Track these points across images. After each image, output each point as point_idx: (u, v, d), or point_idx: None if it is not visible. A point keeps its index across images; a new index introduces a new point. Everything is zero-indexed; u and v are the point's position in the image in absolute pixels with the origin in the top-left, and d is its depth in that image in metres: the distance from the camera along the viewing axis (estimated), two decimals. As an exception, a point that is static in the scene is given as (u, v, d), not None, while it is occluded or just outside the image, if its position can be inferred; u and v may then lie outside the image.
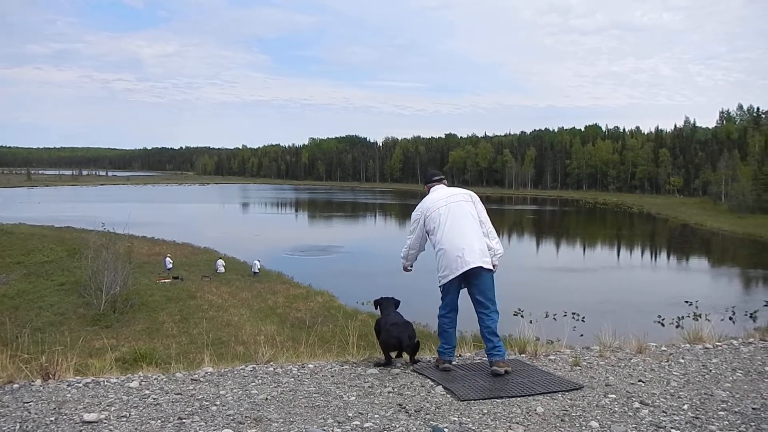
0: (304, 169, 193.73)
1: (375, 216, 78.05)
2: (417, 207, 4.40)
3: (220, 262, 31.42)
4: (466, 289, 4.21)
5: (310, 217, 75.97)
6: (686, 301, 26.17)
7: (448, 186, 4.50)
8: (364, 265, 34.75)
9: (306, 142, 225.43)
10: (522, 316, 21.60)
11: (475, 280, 4.11)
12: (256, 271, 29.96)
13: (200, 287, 26.29)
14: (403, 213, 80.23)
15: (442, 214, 4.24)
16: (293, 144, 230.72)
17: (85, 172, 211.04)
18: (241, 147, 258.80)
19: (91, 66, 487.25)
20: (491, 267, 4.16)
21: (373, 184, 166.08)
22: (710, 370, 4.12)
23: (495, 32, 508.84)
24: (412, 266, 4.61)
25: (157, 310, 21.92)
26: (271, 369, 4.12)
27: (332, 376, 3.99)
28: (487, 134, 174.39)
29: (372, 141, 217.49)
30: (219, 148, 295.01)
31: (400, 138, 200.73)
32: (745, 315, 23.78)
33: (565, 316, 23.00)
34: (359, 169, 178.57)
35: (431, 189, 4.49)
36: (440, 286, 4.25)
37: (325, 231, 56.15)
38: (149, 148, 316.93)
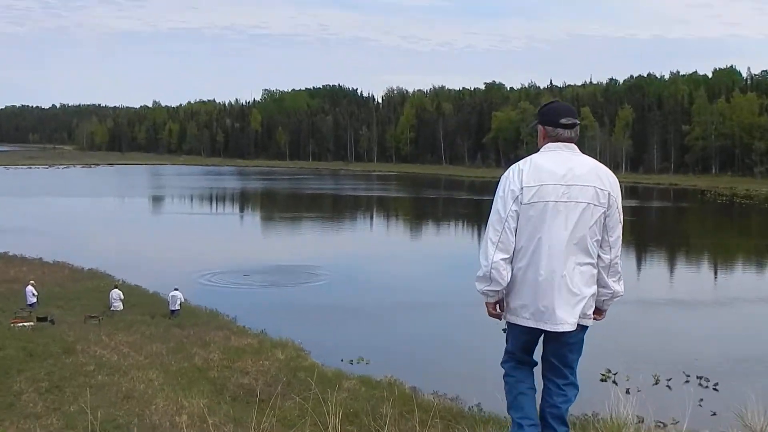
0: (254, 141, 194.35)
1: (371, 218, 77.89)
2: (510, 171, 4.18)
3: (117, 293, 31.31)
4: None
5: (265, 220, 75.85)
6: None
7: (575, 147, 4.20)
8: (353, 298, 34.71)
9: (258, 97, 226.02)
10: (614, 381, 21.55)
11: (557, 335, 4.16)
12: (176, 308, 29.87)
13: (83, 335, 26.16)
14: (418, 213, 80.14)
15: (548, 217, 4.06)
16: (237, 100, 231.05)
17: None
18: (151, 105, 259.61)
19: None
20: (589, 324, 4.21)
21: (368, 164, 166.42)
22: None
23: None
24: (502, 303, 4.22)
25: (11, 373, 21.75)
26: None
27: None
28: (554, 84, 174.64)
29: (366, 95, 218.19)
30: (115, 107, 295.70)
31: (411, 90, 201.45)
32: None
33: (687, 382, 22.85)
34: (345, 141, 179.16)
35: (549, 142, 4.21)
36: (504, 326, 4.35)
37: (289, 243, 56.08)
38: (1, 107, 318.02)
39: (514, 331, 4.27)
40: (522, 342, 4.26)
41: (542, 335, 4.21)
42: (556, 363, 4.22)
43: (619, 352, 25.26)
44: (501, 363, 4.35)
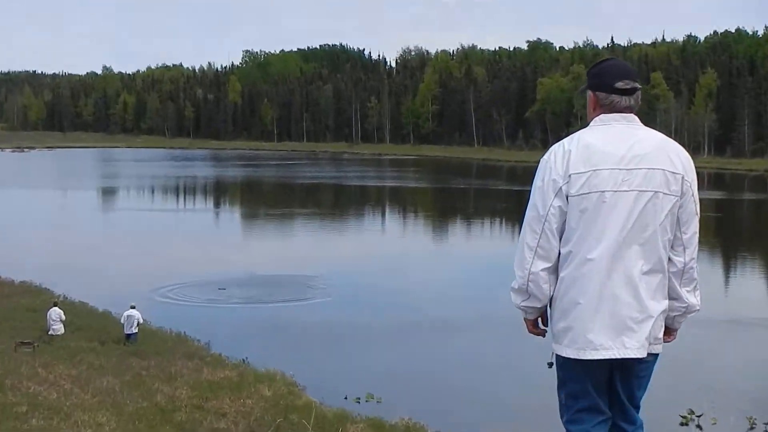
0: (233, 117, 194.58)
1: (382, 215, 77.99)
2: (552, 154, 4.12)
3: (56, 313, 31.30)
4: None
5: (246, 217, 76.27)
6: None
7: (636, 119, 4.14)
8: (359, 318, 34.70)
9: (238, 61, 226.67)
10: (699, 425, 21.47)
11: (625, 364, 4.11)
12: (133, 331, 29.88)
13: (13, 367, 26.17)
14: (443, 209, 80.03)
15: (603, 213, 3.98)
16: (210, 65, 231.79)
17: None
18: (100, 72, 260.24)
19: None
20: (659, 350, 4.16)
21: (378, 146, 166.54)
22: None
23: None
24: (545, 316, 4.26)
25: (-77, 416, 21.81)
26: None
27: None
28: (616, 42, 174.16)
29: (375, 57, 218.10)
30: (55, 75, 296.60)
31: (433, 51, 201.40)
32: None
33: (793, 426, 22.73)
34: (348, 116, 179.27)
35: (601, 114, 4.16)
36: (552, 359, 4.27)
37: (278, 247, 56.33)
38: None
39: (567, 364, 4.16)
40: (583, 379, 4.13)
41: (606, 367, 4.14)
42: (624, 400, 4.18)
43: (702, 386, 25.16)
44: (564, 421, 4.26)
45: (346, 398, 24.46)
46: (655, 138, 4.08)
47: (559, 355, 4.15)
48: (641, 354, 3.99)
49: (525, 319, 4.26)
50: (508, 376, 26.54)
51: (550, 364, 4.25)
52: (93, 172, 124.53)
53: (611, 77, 4.13)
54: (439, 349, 30.39)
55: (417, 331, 32.81)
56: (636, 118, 4.13)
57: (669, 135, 4.19)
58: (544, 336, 4.29)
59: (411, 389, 25.84)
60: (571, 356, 4.06)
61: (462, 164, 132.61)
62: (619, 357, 3.98)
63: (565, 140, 4.12)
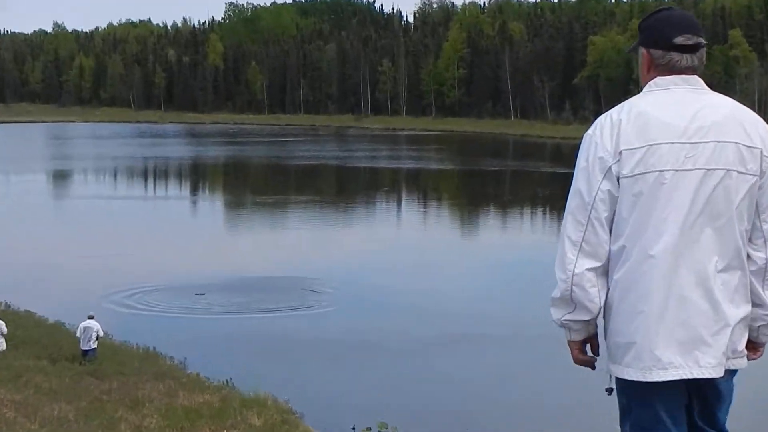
0: (213, 85, 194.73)
1: (397, 203, 78.09)
2: (598, 126, 4.07)
3: (-3, 323, 31.47)
4: None
5: (230, 206, 76.52)
6: None
7: (700, 82, 4.08)
8: (368, 330, 34.85)
9: (220, 16, 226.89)
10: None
11: (697, 385, 4.06)
12: (91, 346, 29.92)
13: (-55, 390, 26.28)
14: (472, 195, 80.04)
15: (663, 197, 3.90)
16: (186, 20, 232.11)
17: None
18: (51, 30, 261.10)
19: None
20: (740, 366, 4.09)
21: (392, 119, 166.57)
22: None
23: None
24: (595, 341, 4.22)
25: None
26: None
27: None
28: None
29: (388, 11, 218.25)
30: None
31: (459, 3, 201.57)
32: None
33: None
34: (355, 82, 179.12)
35: (657, 77, 4.11)
36: (610, 384, 4.21)
37: (269, 243, 56.48)
38: None
39: (631, 388, 4.09)
40: (653, 405, 4.08)
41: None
42: (704, 427, 4.16)
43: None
44: None
45: (353, 428, 24.40)
46: (725, 105, 4.01)
47: (620, 378, 4.08)
48: (718, 373, 3.93)
49: (569, 342, 4.18)
50: (551, 403, 26.50)
51: (610, 390, 4.18)
52: (42, 152, 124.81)
53: (669, 30, 4.06)
54: (465, 370, 30.34)
55: (439, 347, 32.83)
56: (700, 80, 4.07)
57: (751, 107, 4.13)
58: (593, 367, 4.23)
59: (431, 418, 25.87)
60: (635, 378, 3.99)
61: (496, 141, 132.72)
62: (691, 377, 3.93)
63: (614, 110, 4.06)
